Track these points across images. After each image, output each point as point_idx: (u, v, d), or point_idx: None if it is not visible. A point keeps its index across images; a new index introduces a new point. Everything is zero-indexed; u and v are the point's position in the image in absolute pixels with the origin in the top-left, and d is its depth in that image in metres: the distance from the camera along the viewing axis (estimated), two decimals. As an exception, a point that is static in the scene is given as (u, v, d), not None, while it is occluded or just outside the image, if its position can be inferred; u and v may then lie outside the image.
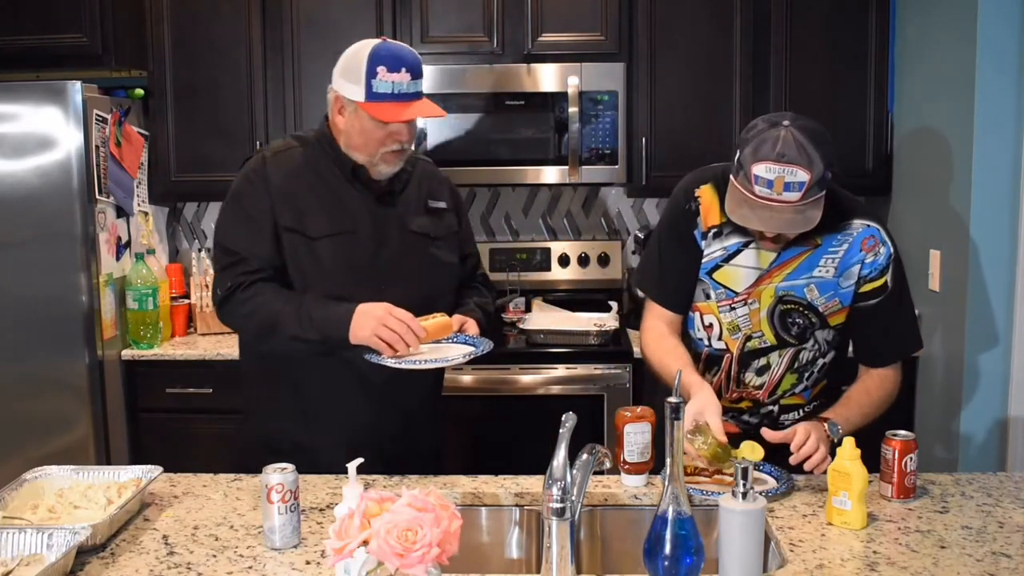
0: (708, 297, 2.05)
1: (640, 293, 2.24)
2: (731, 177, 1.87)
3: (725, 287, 2.02)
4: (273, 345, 2.03)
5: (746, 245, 2.00)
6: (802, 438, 1.84)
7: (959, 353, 2.86)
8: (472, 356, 2.03)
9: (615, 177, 3.37)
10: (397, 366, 1.95)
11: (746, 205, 1.83)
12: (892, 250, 1.98)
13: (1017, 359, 2.76)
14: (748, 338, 2.02)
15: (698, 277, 2.05)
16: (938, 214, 3.00)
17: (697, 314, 2.08)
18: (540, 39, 3.37)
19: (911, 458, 1.79)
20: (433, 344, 2.05)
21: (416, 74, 2.02)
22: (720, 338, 2.05)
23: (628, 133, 3.36)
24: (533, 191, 3.80)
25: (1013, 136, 2.73)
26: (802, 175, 1.76)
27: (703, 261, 2.04)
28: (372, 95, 1.98)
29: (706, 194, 2.03)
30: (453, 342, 2.08)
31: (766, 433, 1.89)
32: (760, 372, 2.04)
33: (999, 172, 2.75)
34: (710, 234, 2.03)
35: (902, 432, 1.82)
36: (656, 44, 3.36)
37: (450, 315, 2.11)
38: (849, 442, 1.71)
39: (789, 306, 1.99)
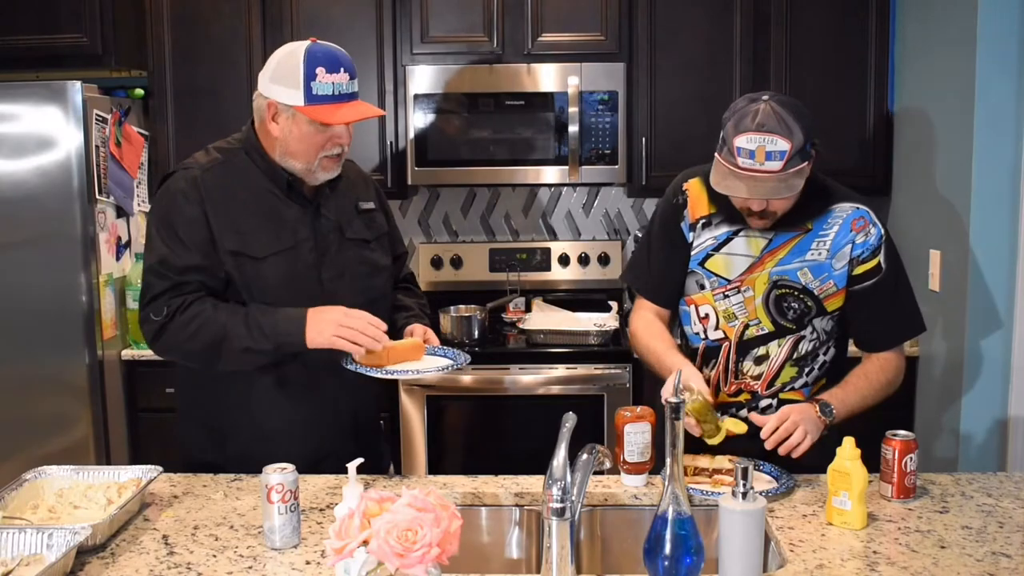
0: (702, 287, 2.07)
1: (631, 288, 2.27)
2: (716, 154, 1.92)
3: (717, 275, 2.05)
4: (222, 364, 1.93)
5: (736, 233, 2.03)
6: (773, 425, 1.88)
7: (959, 353, 2.86)
8: (451, 369, 2.01)
9: (615, 177, 3.37)
10: (384, 376, 1.92)
11: (731, 176, 1.88)
12: (883, 231, 2.01)
13: (1017, 359, 2.76)
14: (746, 326, 2.04)
15: (688, 270, 2.09)
16: (938, 214, 3.00)
17: (692, 307, 2.09)
18: (540, 39, 3.37)
19: (911, 458, 1.79)
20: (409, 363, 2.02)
21: (353, 74, 1.97)
22: (717, 327, 2.07)
23: (628, 133, 3.36)
24: (533, 191, 3.80)
25: (1013, 136, 2.73)
26: (782, 144, 1.82)
27: (694, 252, 2.07)
28: (312, 98, 1.90)
29: (694, 187, 2.09)
30: (427, 354, 2.06)
31: (753, 416, 1.94)
32: (758, 361, 2.05)
33: (999, 172, 2.75)
34: (699, 225, 2.07)
35: (902, 432, 1.82)
36: (656, 44, 3.36)
37: (389, 316, 2.12)
38: (849, 442, 1.71)
39: (784, 290, 2.00)
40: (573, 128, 3.29)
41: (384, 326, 1.94)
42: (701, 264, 2.06)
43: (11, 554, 1.51)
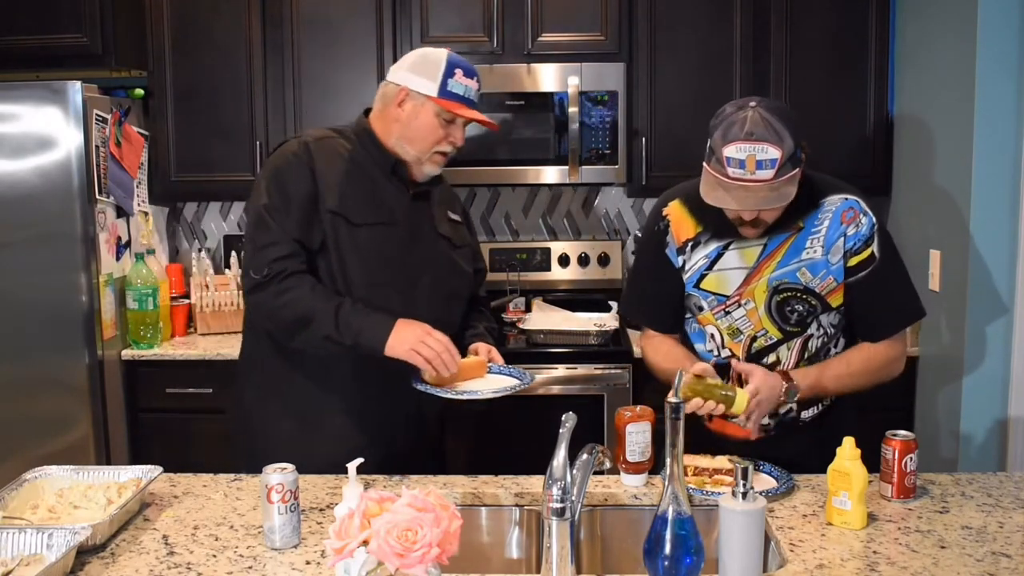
0: (701, 309, 2.05)
1: (629, 321, 2.26)
2: (704, 164, 1.88)
3: (715, 293, 2.02)
4: (300, 342, 2.00)
5: (726, 247, 2.00)
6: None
7: (959, 353, 2.86)
8: (518, 389, 2.04)
9: (615, 177, 3.37)
10: (453, 396, 1.97)
11: (721, 187, 1.84)
12: (874, 220, 1.98)
13: (1017, 359, 2.76)
14: (753, 339, 2.02)
15: (684, 293, 2.07)
16: (938, 214, 3.00)
17: (700, 327, 2.08)
18: (540, 39, 3.37)
19: (911, 458, 1.79)
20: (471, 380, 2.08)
21: (480, 87, 2.12)
22: (724, 345, 2.05)
23: (628, 133, 3.36)
24: (533, 191, 3.80)
25: (1013, 136, 2.73)
26: (773, 152, 1.78)
27: (687, 275, 2.05)
28: (445, 92, 2.04)
29: (674, 210, 2.07)
30: (492, 372, 2.11)
31: (736, 365, 1.94)
32: (771, 369, 2.03)
33: (999, 172, 2.75)
34: (688, 247, 2.04)
35: (902, 432, 1.82)
36: (656, 44, 3.36)
37: (461, 328, 2.20)
38: (849, 442, 1.71)
39: (786, 294, 1.98)
40: (573, 128, 3.29)
41: (459, 357, 2.00)
42: (696, 286, 2.04)
43: (11, 554, 1.51)
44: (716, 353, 2.07)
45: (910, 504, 1.80)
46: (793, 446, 2.02)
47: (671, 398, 1.40)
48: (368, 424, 2.09)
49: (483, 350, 2.15)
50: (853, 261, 1.97)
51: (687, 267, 2.05)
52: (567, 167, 3.33)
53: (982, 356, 2.82)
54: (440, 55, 2.07)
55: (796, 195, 1.89)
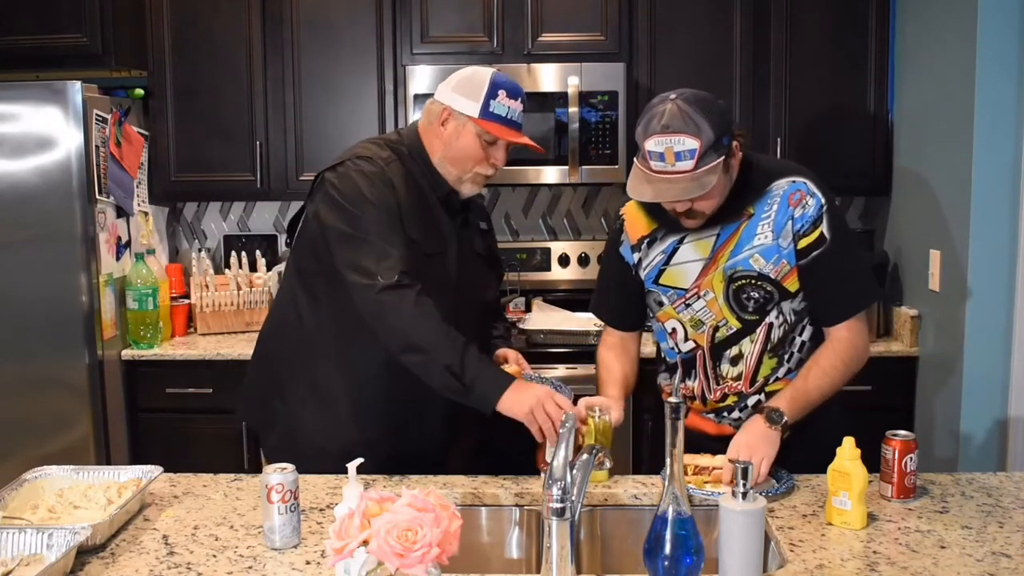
0: (662, 304, 2.07)
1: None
2: (635, 160, 1.90)
3: (674, 287, 2.04)
4: (414, 362, 1.90)
5: (681, 241, 2.02)
6: (732, 471, 1.73)
7: (959, 353, 2.86)
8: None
9: (615, 177, 3.37)
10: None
11: (645, 181, 1.86)
12: (824, 201, 1.94)
13: (1017, 359, 2.76)
14: (716, 328, 2.02)
15: (642, 291, 2.10)
16: (938, 214, 3.00)
17: (660, 324, 2.11)
18: (540, 39, 3.37)
19: (911, 458, 1.79)
20: None
21: (525, 108, 2.08)
22: (687, 338, 2.06)
23: (628, 133, 3.35)
24: (533, 191, 3.80)
25: (1013, 136, 2.73)
26: (691, 142, 1.79)
27: (645, 271, 2.07)
28: (487, 113, 2.01)
29: (630, 209, 2.10)
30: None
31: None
32: (734, 362, 2.02)
33: (999, 172, 2.75)
34: (643, 245, 2.07)
35: (902, 432, 1.82)
36: (656, 44, 3.37)
37: (485, 334, 2.23)
38: (849, 442, 1.71)
39: (741, 282, 1.97)
40: (573, 128, 3.29)
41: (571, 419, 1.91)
42: (655, 282, 2.06)
43: (11, 554, 1.51)
44: (678, 349, 2.08)
45: (910, 504, 1.80)
46: (782, 447, 2.00)
47: (671, 399, 1.40)
48: (404, 426, 2.13)
49: (512, 357, 2.17)
50: (802, 243, 1.94)
51: (644, 264, 2.07)
52: (567, 167, 3.33)
53: (982, 356, 2.82)
54: (485, 75, 2.03)
55: (744, 182, 1.92)
